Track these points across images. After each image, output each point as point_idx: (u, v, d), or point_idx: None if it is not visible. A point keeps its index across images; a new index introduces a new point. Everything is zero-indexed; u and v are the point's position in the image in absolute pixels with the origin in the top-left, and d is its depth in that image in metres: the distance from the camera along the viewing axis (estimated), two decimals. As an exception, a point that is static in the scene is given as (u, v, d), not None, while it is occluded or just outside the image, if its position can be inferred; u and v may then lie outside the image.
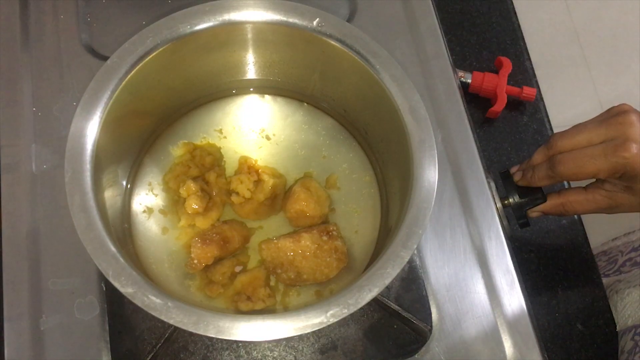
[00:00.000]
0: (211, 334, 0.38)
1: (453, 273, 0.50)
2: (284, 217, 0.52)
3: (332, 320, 0.39)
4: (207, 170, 0.52)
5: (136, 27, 0.51)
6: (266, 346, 0.49)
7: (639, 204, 0.50)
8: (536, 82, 0.69)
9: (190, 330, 0.38)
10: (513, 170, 0.54)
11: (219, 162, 0.53)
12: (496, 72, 0.66)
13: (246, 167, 0.52)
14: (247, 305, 0.47)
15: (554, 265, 0.62)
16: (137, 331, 0.47)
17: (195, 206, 0.48)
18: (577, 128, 0.49)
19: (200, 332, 0.38)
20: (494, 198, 0.53)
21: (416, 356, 0.48)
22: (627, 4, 1.56)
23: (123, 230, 0.49)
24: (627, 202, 0.50)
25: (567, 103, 1.46)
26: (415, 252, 0.51)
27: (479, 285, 0.50)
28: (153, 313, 0.38)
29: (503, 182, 0.54)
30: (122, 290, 0.39)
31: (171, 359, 0.48)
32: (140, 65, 0.44)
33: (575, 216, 0.64)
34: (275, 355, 0.48)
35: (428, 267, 0.51)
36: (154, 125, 0.53)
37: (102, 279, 0.47)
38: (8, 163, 0.50)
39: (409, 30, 0.58)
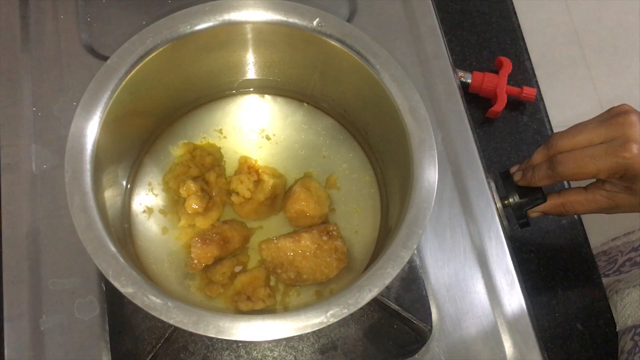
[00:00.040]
0: (211, 334, 0.38)
1: (453, 273, 0.50)
2: (284, 217, 0.52)
3: (332, 320, 0.39)
4: (207, 170, 0.52)
5: (136, 27, 0.51)
6: (266, 346, 0.49)
7: (639, 204, 0.50)
8: (536, 82, 0.69)
9: (190, 330, 0.38)
10: (513, 170, 0.54)
11: (219, 162, 0.53)
12: (496, 72, 0.66)
13: (246, 167, 0.52)
14: (247, 305, 0.47)
15: (554, 265, 0.62)
16: (137, 331, 0.47)
17: (195, 206, 0.48)
18: (577, 128, 0.49)
19: (200, 332, 0.38)
20: (494, 198, 0.53)
21: (416, 356, 0.48)
22: (627, 4, 1.56)
23: (123, 230, 0.49)
24: (627, 203, 0.50)
25: (567, 103, 1.46)
26: (415, 252, 0.51)
27: (479, 285, 0.50)
28: (153, 313, 0.38)
29: (503, 182, 0.54)
30: (122, 290, 0.39)
31: (171, 359, 0.48)
32: (140, 65, 0.44)
33: (575, 216, 0.64)
34: (275, 355, 0.48)
35: (428, 267, 0.51)
36: (154, 125, 0.53)
37: (102, 279, 0.47)
38: (8, 163, 0.50)
39: (409, 30, 0.58)
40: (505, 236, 0.52)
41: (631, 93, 1.47)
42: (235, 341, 0.48)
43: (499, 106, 0.65)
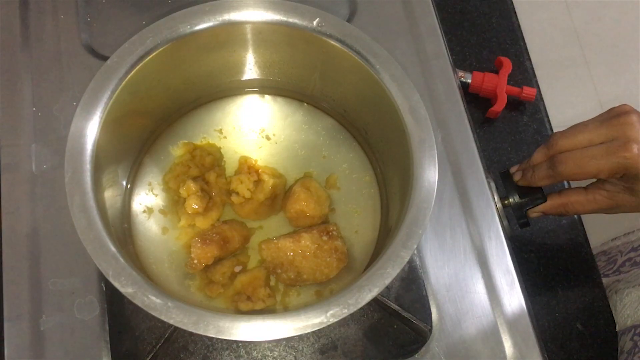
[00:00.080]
0: (211, 334, 0.38)
1: (453, 273, 0.50)
2: (284, 217, 0.52)
3: (332, 320, 0.39)
4: (207, 170, 0.52)
5: (136, 27, 0.51)
6: (266, 346, 0.49)
7: (639, 205, 0.50)
8: (536, 82, 0.69)
9: (190, 330, 0.38)
10: (513, 170, 0.54)
11: (219, 162, 0.53)
12: (496, 72, 0.66)
13: (246, 167, 0.52)
14: (247, 305, 0.47)
15: (554, 265, 0.62)
16: (137, 331, 0.47)
17: (195, 206, 0.48)
18: (578, 128, 0.49)
19: (200, 332, 0.38)
20: (494, 198, 0.53)
21: (416, 356, 0.48)
22: (627, 4, 1.56)
23: (123, 230, 0.49)
24: (627, 203, 0.50)
25: (567, 103, 1.46)
26: (415, 252, 0.51)
27: (479, 285, 0.50)
28: (153, 313, 0.38)
29: (503, 182, 0.54)
30: (122, 290, 0.39)
31: (171, 359, 0.48)
32: (140, 65, 0.44)
33: (575, 216, 0.64)
34: (275, 355, 0.48)
35: (428, 267, 0.51)
36: (154, 125, 0.53)
37: (102, 279, 0.47)
38: (8, 163, 0.50)
39: (409, 30, 0.58)
40: (505, 236, 0.52)
41: (631, 93, 1.47)
42: (235, 341, 0.48)
43: (499, 106, 0.65)
